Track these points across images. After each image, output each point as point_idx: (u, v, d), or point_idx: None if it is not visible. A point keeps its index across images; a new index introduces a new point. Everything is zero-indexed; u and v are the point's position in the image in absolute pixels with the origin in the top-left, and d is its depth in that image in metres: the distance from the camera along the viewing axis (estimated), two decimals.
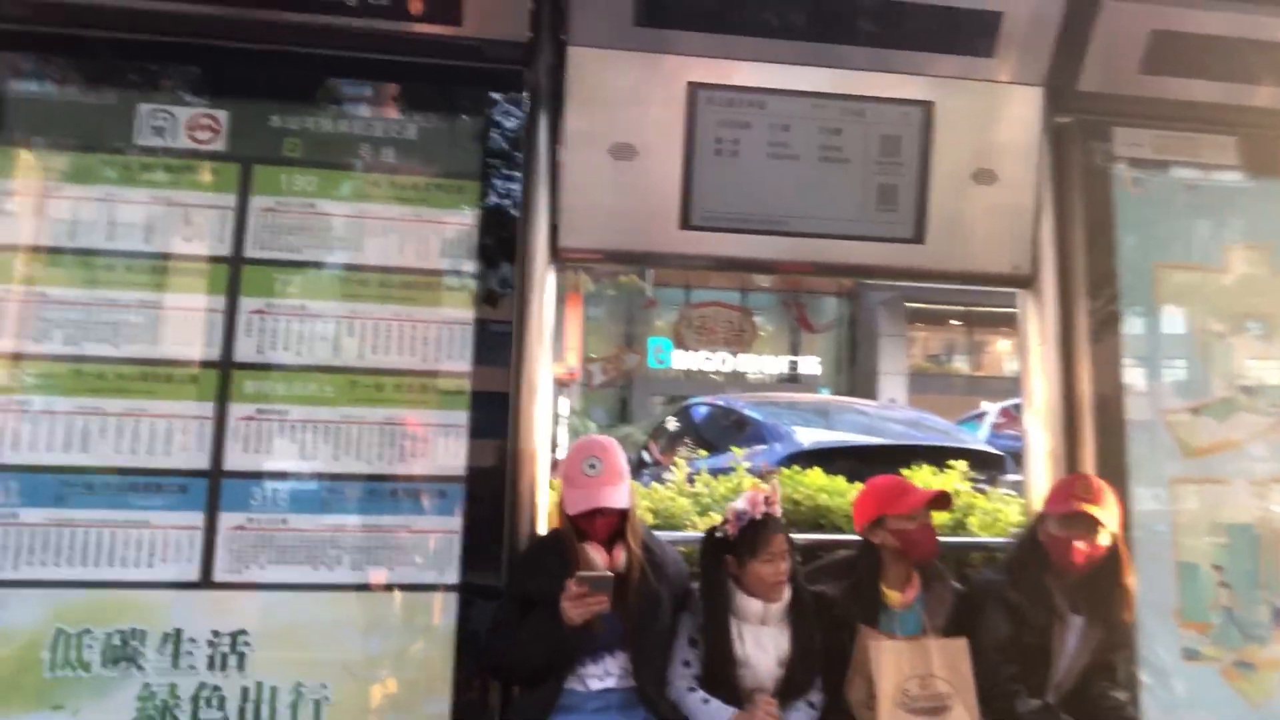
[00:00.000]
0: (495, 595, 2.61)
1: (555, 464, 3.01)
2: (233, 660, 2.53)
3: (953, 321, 21.92)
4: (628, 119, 2.94)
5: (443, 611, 2.64)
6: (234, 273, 2.73)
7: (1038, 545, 2.73)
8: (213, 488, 2.61)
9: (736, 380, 19.32)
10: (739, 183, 2.99)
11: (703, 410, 7.73)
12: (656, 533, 2.91)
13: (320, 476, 2.67)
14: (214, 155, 2.79)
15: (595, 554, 2.51)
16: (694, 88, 2.96)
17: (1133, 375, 3.12)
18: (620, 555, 2.53)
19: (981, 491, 3.74)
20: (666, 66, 2.95)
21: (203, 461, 2.62)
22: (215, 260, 2.73)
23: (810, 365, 20.81)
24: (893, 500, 2.69)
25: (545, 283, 2.91)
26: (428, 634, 2.63)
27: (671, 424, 8.23)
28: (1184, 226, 3.29)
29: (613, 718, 2.46)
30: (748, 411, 6.86)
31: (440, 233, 2.85)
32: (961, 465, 3.82)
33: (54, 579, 2.51)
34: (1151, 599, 2.90)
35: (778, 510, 2.63)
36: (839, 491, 3.59)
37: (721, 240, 3.00)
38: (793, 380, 20.25)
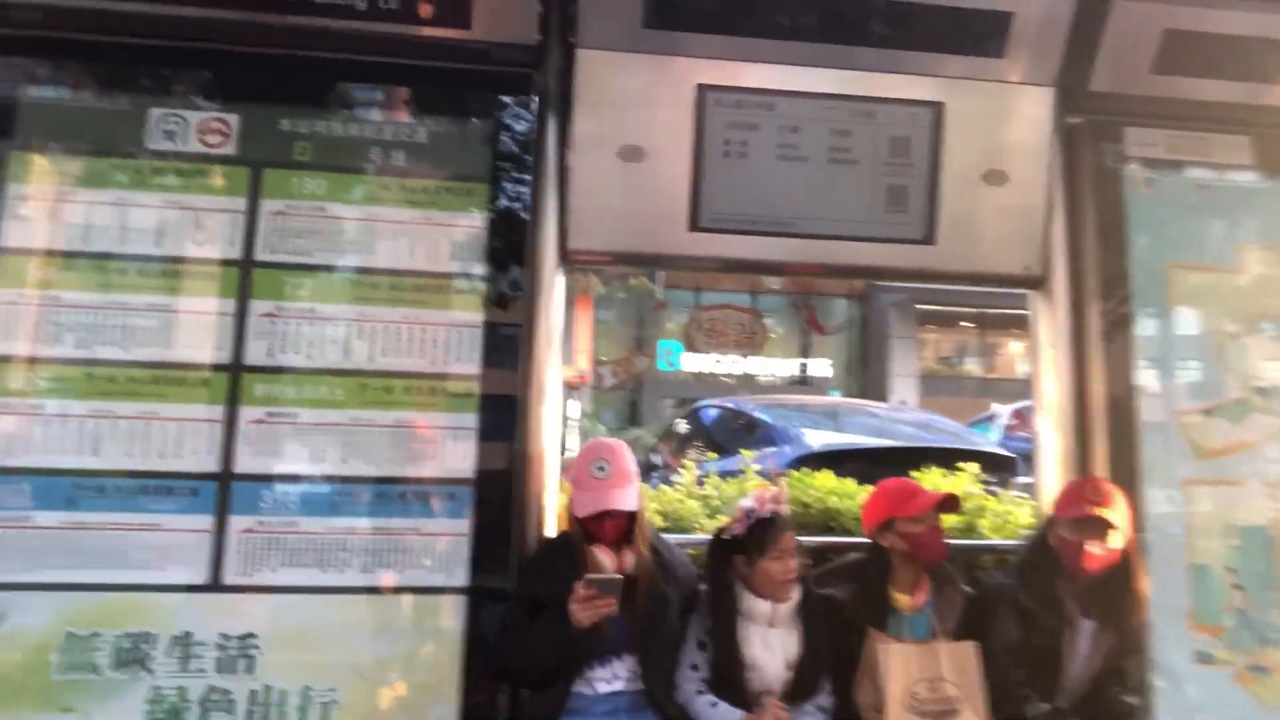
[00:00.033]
0: (504, 598, 2.61)
1: (565, 466, 3.01)
2: (242, 663, 2.54)
3: (964, 323, 21.83)
4: (636, 121, 2.94)
5: (451, 614, 2.64)
6: (244, 276, 2.74)
7: (1048, 549, 2.71)
8: (223, 491, 2.62)
9: (747, 383, 19.28)
10: (748, 184, 2.98)
11: (712, 413, 7.71)
12: (665, 535, 2.90)
13: (330, 479, 2.68)
14: (224, 159, 2.80)
15: (604, 556, 2.51)
16: (703, 89, 2.96)
17: (1145, 376, 3.09)
18: (629, 558, 2.53)
19: (993, 494, 3.72)
20: (675, 68, 2.95)
21: (213, 464, 2.63)
22: (226, 263, 2.74)
23: (821, 368, 20.75)
24: (901, 503, 2.68)
25: (554, 285, 2.91)
26: (436, 637, 2.63)
27: (681, 426, 8.22)
28: (1197, 227, 3.27)
29: None
30: (757, 414, 6.84)
31: (449, 235, 2.85)
32: (972, 467, 3.80)
33: (65, 582, 2.52)
34: (1164, 602, 2.88)
35: (785, 509, 2.62)
36: (849, 494, 3.57)
37: (730, 242, 3.00)
38: (803, 383, 20.19)
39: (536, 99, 2.94)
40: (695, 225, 2.97)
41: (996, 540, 3.36)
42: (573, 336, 17.13)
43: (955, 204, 3.06)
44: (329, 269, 2.79)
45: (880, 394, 18.69)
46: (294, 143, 2.84)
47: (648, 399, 19.75)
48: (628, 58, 2.92)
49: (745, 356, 19.45)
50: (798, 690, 2.55)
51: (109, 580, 2.54)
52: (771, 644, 2.54)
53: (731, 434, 6.73)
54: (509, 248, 2.88)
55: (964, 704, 2.50)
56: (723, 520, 2.75)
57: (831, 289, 20.78)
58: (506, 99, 2.95)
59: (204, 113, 2.81)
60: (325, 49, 2.86)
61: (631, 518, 2.55)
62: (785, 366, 20.45)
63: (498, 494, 2.73)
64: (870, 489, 2.93)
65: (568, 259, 2.94)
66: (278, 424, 2.68)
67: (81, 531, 2.54)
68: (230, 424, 2.66)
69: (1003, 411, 9.89)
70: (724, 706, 2.45)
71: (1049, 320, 3.17)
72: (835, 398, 15.18)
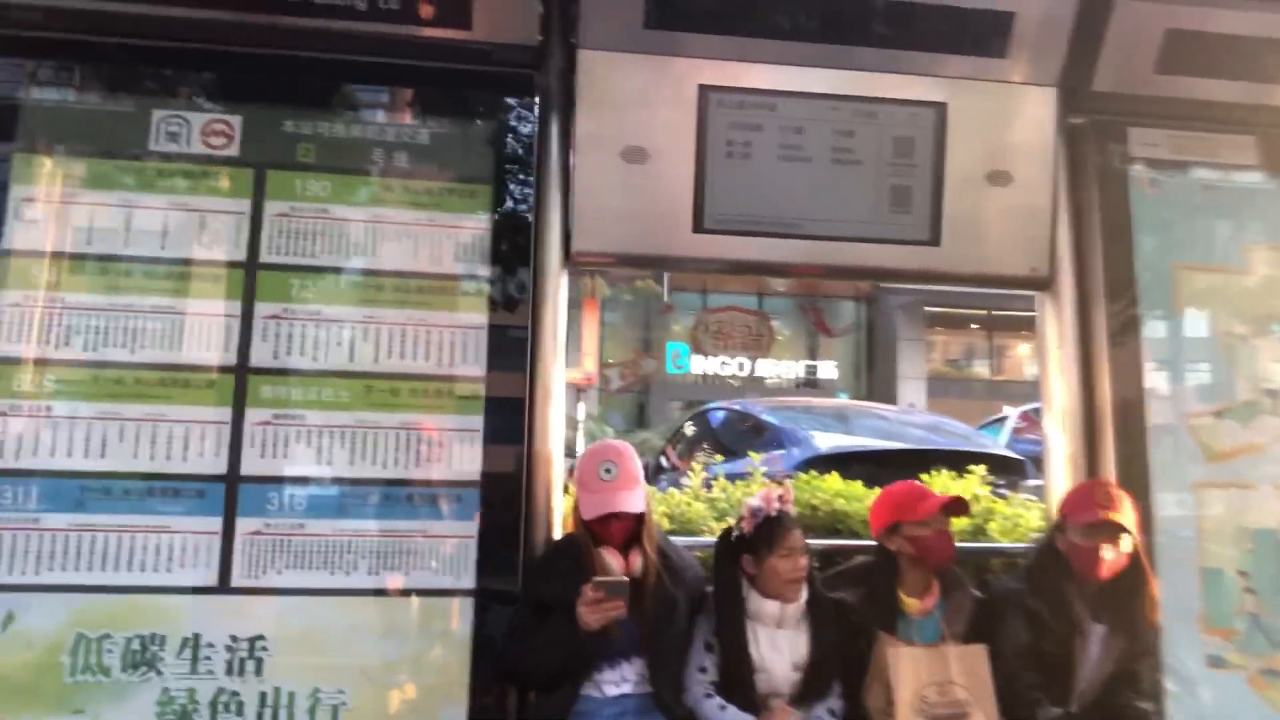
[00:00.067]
0: (511, 600, 2.61)
1: (571, 469, 3.01)
2: (251, 665, 2.54)
3: (972, 326, 21.78)
4: (639, 122, 2.93)
5: (459, 617, 2.64)
6: (249, 278, 2.75)
7: (1057, 554, 2.70)
8: (230, 493, 2.63)
9: (754, 385, 19.27)
10: (751, 185, 2.98)
11: (720, 415, 7.70)
12: (673, 538, 2.90)
13: (336, 481, 2.68)
14: (228, 161, 2.81)
15: (611, 559, 2.51)
16: (705, 90, 2.96)
17: (1153, 378, 3.07)
18: (636, 560, 2.52)
19: (1002, 497, 3.71)
20: (677, 69, 2.95)
21: (220, 467, 2.64)
22: (231, 265, 2.75)
23: (828, 370, 20.72)
24: (908, 506, 2.67)
25: (559, 287, 2.91)
26: (444, 639, 2.63)
27: (689, 429, 8.21)
28: (1203, 227, 3.25)
29: None
30: (765, 416, 6.83)
31: (453, 237, 2.86)
32: (980, 470, 3.79)
33: (74, 584, 2.53)
34: (1175, 605, 2.85)
35: (791, 508, 2.62)
36: (856, 497, 3.56)
37: (734, 243, 2.99)
38: (811, 385, 20.16)
39: (538, 100, 2.95)
40: (699, 226, 2.96)
41: (1006, 543, 3.34)
42: (580, 339, 17.14)
43: (959, 205, 3.05)
44: (333, 271, 2.79)
45: (887, 396, 18.64)
46: (297, 144, 2.84)
47: (655, 401, 19.75)
48: (629, 58, 2.92)
49: (752, 359, 19.43)
50: (807, 692, 2.54)
51: (118, 582, 2.54)
52: (779, 645, 2.54)
53: (739, 436, 6.73)
54: (513, 249, 2.89)
55: (974, 708, 2.48)
56: (730, 523, 2.75)
57: (839, 291, 20.75)
58: (508, 100, 2.96)
59: (207, 114, 2.82)
60: (327, 50, 2.87)
61: (639, 520, 2.55)
62: (792, 369, 20.43)
63: (504, 496, 2.73)
64: (878, 492, 2.92)
65: (572, 260, 2.94)
66: (284, 426, 2.69)
67: (90, 533, 2.55)
68: (237, 426, 2.66)
69: (1011, 414, 9.85)
70: (733, 710, 2.44)
71: (1056, 322, 3.16)
72: (843, 400, 15.16)
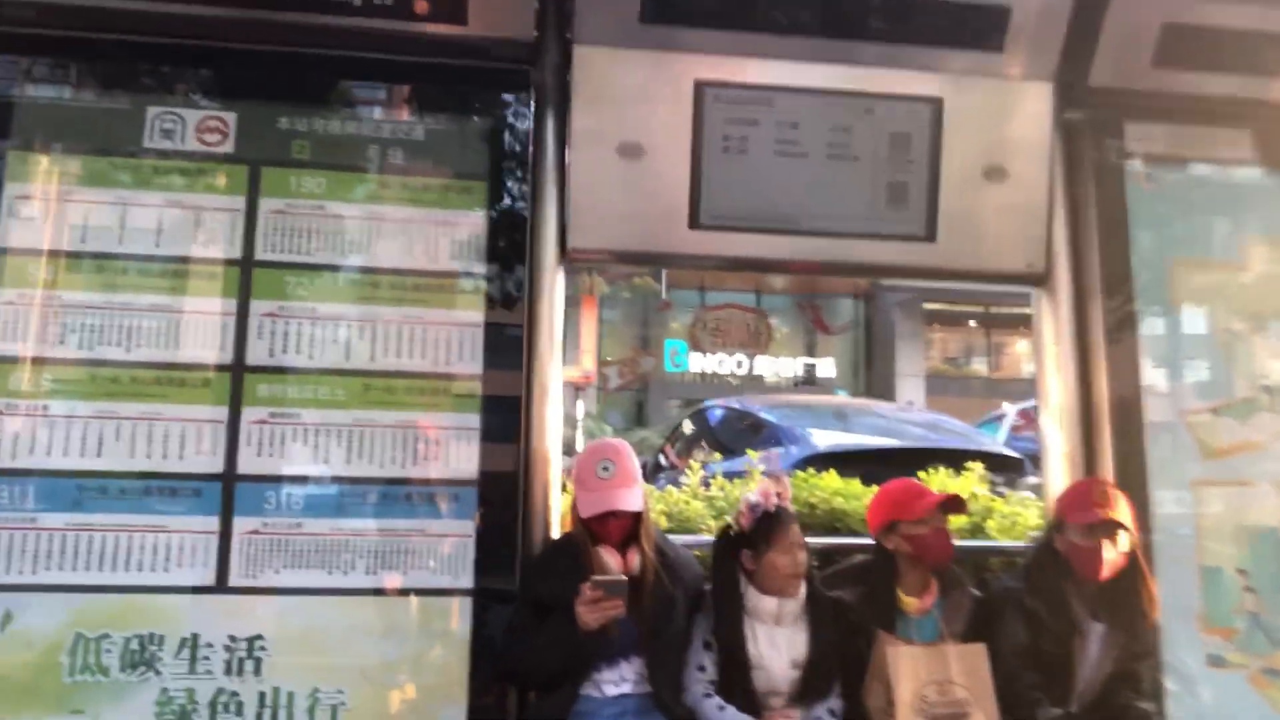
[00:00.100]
0: (510, 600, 2.60)
1: (569, 467, 3.01)
2: (249, 665, 2.53)
3: (971, 323, 21.78)
4: (635, 118, 2.93)
5: (457, 616, 2.63)
6: (245, 275, 2.74)
7: (1055, 554, 2.69)
8: (226, 492, 2.62)
9: (752, 383, 19.27)
10: (748, 181, 2.97)
11: (718, 413, 7.69)
12: (671, 536, 2.89)
13: (334, 480, 2.67)
14: (223, 158, 2.79)
15: (609, 557, 2.50)
16: (701, 85, 2.95)
17: (1151, 375, 3.07)
18: (634, 558, 2.51)
19: (1000, 495, 3.70)
20: (674, 64, 2.94)
21: (217, 466, 2.63)
22: (226, 263, 2.74)
23: (826, 368, 20.72)
24: (905, 505, 2.67)
25: (555, 283, 2.90)
26: (443, 639, 2.62)
27: (687, 427, 8.20)
28: (1200, 222, 3.25)
29: None
30: (763, 414, 6.82)
31: (448, 234, 2.85)
32: (978, 468, 3.78)
33: (72, 584, 2.52)
34: (1175, 604, 2.84)
35: (789, 504, 2.61)
36: (854, 495, 3.55)
37: (731, 240, 2.99)
38: (809, 383, 20.16)
39: (534, 95, 2.94)
40: (695, 223, 2.96)
41: (1005, 542, 3.34)
42: (578, 337, 17.13)
43: (956, 200, 3.04)
44: (329, 268, 2.78)
45: (886, 394, 18.64)
46: (292, 141, 2.83)
47: (654, 400, 19.74)
48: (625, 54, 2.91)
49: (750, 356, 19.44)
50: (806, 691, 2.53)
51: (116, 582, 2.53)
52: (777, 642, 2.53)
53: (737, 434, 6.71)
54: (509, 246, 2.88)
55: (974, 707, 2.47)
56: (728, 520, 2.74)
57: (837, 288, 20.75)
58: (504, 96, 2.94)
59: (202, 111, 2.81)
60: (322, 46, 2.85)
61: (637, 518, 2.54)
62: (791, 366, 20.43)
63: (502, 495, 2.72)
64: (876, 490, 2.92)
65: (568, 257, 2.93)
66: (280, 424, 2.68)
67: (87, 533, 2.54)
68: (233, 425, 2.65)
69: (1009, 411, 9.85)
70: (731, 711, 2.44)
71: (1052, 318, 3.15)
72: (842, 398, 15.16)
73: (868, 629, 2.60)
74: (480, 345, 2.79)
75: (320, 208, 2.80)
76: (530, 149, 2.92)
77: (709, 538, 2.98)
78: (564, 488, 2.84)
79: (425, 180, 2.87)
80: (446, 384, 2.76)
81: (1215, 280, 3.19)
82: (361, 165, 2.86)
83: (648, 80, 2.94)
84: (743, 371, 19.59)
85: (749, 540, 2.57)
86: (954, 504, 2.72)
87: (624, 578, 2.41)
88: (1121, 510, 2.63)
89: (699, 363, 19.45)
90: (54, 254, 2.68)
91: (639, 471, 2.60)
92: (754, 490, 2.63)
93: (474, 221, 2.87)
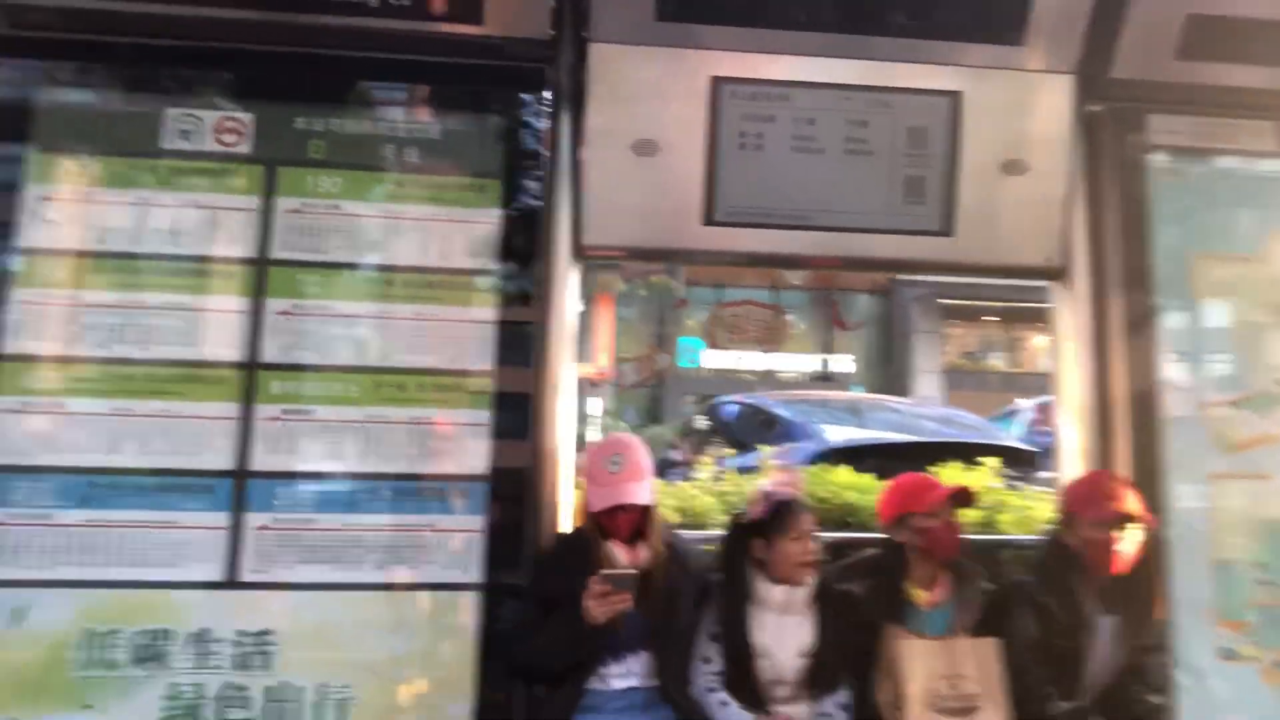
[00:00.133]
0: (519, 595, 2.60)
1: (580, 462, 3.00)
2: (258, 660, 2.55)
3: (988, 318, 21.63)
4: (650, 115, 2.92)
5: (466, 611, 2.64)
6: (260, 274, 2.75)
7: (1065, 548, 2.66)
8: (238, 488, 2.63)
9: (769, 379, 19.21)
10: (763, 177, 2.96)
11: (732, 409, 7.68)
12: (682, 531, 2.89)
13: (344, 476, 2.68)
14: (240, 158, 2.81)
15: (618, 551, 2.50)
16: (717, 82, 2.94)
17: (1169, 368, 3.03)
18: (643, 552, 2.51)
19: (1015, 488, 3.68)
20: (689, 61, 2.93)
21: (229, 462, 2.64)
22: (241, 262, 2.75)
23: (843, 363, 20.62)
24: (915, 497, 2.66)
25: (569, 281, 2.90)
26: (452, 634, 2.63)
27: (701, 423, 8.20)
28: (1223, 216, 3.20)
29: (636, 716, 2.45)
30: (777, 410, 6.81)
31: (463, 232, 2.85)
32: (993, 462, 3.76)
33: (84, 579, 2.54)
34: (1187, 598, 2.83)
35: (801, 494, 2.60)
36: (867, 489, 3.54)
37: (746, 236, 2.98)
38: (825, 379, 20.08)
39: (549, 94, 2.93)
40: (710, 219, 2.95)
41: (1017, 535, 3.31)
42: (594, 334, 17.12)
43: (974, 195, 3.02)
44: (343, 266, 2.79)
45: (903, 389, 18.56)
46: (308, 141, 2.84)
47: (669, 396, 19.71)
48: (641, 51, 2.90)
49: (767, 353, 19.39)
50: (813, 682, 2.52)
51: (127, 578, 2.55)
52: (785, 631, 2.52)
53: (751, 430, 6.70)
54: (523, 244, 2.87)
55: (985, 701, 2.46)
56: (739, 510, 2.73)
57: (854, 284, 20.65)
58: (519, 94, 2.93)
59: (219, 112, 2.82)
60: (338, 47, 2.86)
61: (646, 512, 2.54)
62: (807, 362, 20.35)
63: (512, 490, 2.72)
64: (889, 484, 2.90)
65: (582, 254, 2.93)
66: (293, 421, 2.69)
67: (100, 529, 2.56)
68: (246, 421, 2.67)
69: (1026, 406, 9.79)
70: (734, 708, 2.44)
71: (1070, 312, 3.12)
72: (857, 393, 15.11)
73: (878, 623, 2.59)
74: (493, 342, 2.79)
75: (335, 207, 2.81)
76: (545, 147, 2.92)
77: (720, 532, 2.97)
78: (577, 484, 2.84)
79: (440, 179, 2.87)
80: (458, 380, 2.77)
81: (1237, 274, 3.15)
82: (377, 164, 2.86)
83: (663, 77, 2.93)
84: (759, 368, 19.53)
85: (761, 529, 2.56)
86: (963, 497, 2.70)
87: (633, 572, 2.41)
88: (1132, 503, 2.61)
89: (715, 359, 19.40)
90: (71, 254, 2.70)
91: (649, 466, 2.59)
92: (767, 480, 2.62)
93: (488, 219, 2.86)
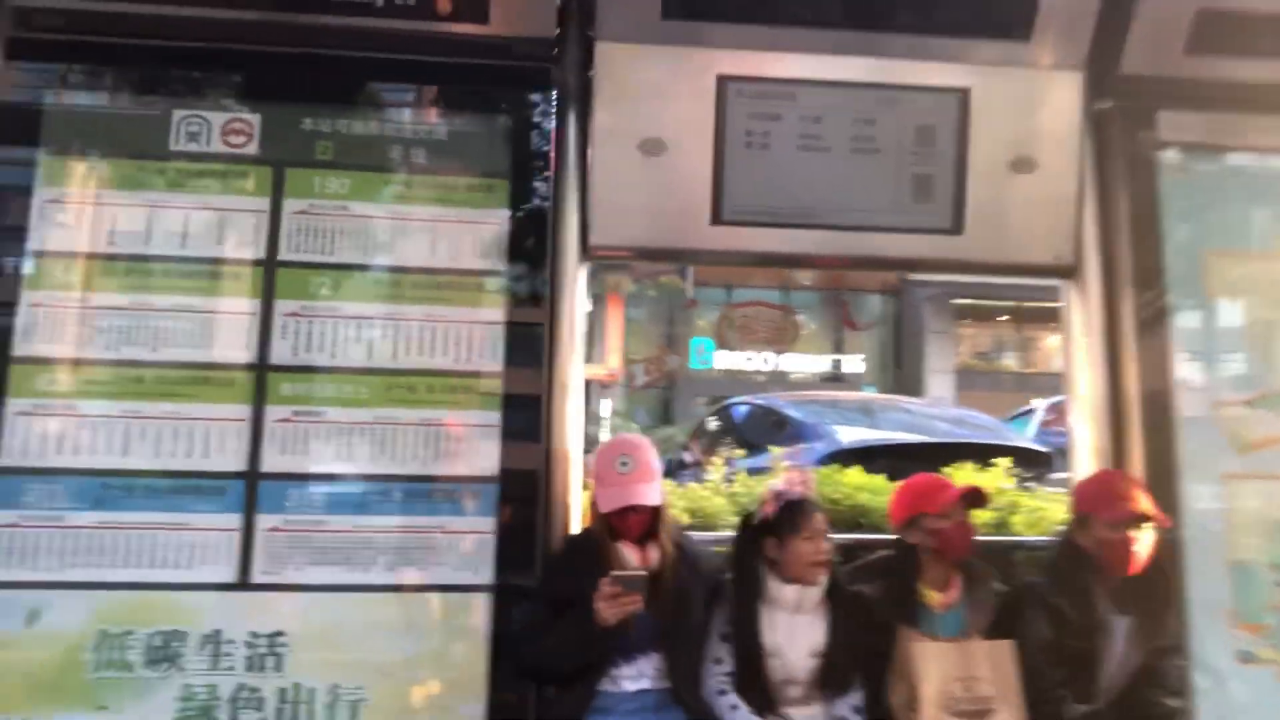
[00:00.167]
0: (530, 596, 2.60)
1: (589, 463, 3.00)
2: (270, 661, 2.55)
3: (1001, 318, 21.54)
4: (657, 114, 2.91)
5: (478, 613, 2.64)
6: (268, 275, 2.76)
7: (1079, 549, 2.64)
8: (250, 489, 2.64)
9: (779, 380, 19.17)
10: (770, 176, 2.95)
11: (743, 410, 7.67)
12: (692, 533, 2.88)
13: (355, 478, 2.69)
14: (247, 159, 2.82)
15: (628, 552, 2.49)
16: (723, 80, 2.93)
17: (1182, 367, 3.01)
18: (653, 553, 2.51)
19: (1028, 489, 3.65)
20: (695, 59, 2.92)
21: (240, 464, 2.65)
22: (250, 263, 2.76)
23: (855, 364, 20.57)
24: (927, 498, 2.64)
25: (577, 281, 2.89)
26: (463, 635, 2.63)
27: (712, 424, 8.18)
28: (1235, 213, 3.18)
29: (647, 718, 2.43)
30: (788, 411, 6.79)
31: (470, 233, 2.85)
32: (1005, 463, 3.74)
33: (97, 581, 2.55)
34: (1204, 600, 2.81)
35: (813, 493, 2.59)
36: (879, 490, 3.53)
37: (754, 235, 2.97)
38: (836, 379, 20.03)
39: (556, 93, 2.93)
40: (717, 218, 2.94)
41: (1030, 536, 3.29)
42: (604, 335, 17.13)
43: (983, 193, 3.00)
44: (351, 267, 2.80)
45: (915, 390, 18.49)
46: (316, 142, 2.85)
47: (680, 397, 19.70)
48: (647, 49, 2.90)
49: (777, 353, 19.34)
50: (825, 682, 2.51)
51: (140, 579, 2.56)
52: (796, 631, 2.50)
53: (762, 431, 6.69)
54: (530, 244, 2.88)
55: (1000, 704, 2.44)
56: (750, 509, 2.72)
57: (865, 284, 20.60)
58: (526, 94, 2.94)
59: (227, 114, 2.83)
60: (344, 47, 2.87)
61: (656, 513, 2.53)
62: (818, 363, 20.31)
63: (523, 492, 2.72)
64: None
65: (590, 254, 2.92)
66: (303, 423, 2.69)
67: (112, 531, 2.57)
68: (256, 423, 2.67)
69: (1039, 406, 9.74)
70: (743, 711, 2.42)
71: (1081, 311, 3.10)
72: (868, 393, 15.06)
73: (891, 624, 2.57)
74: (502, 343, 2.79)
75: (343, 208, 2.82)
76: (552, 147, 2.92)
77: (730, 534, 2.96)
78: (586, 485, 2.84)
79: (447, 179, 2.88)
80: (468, 382, 2.77)
81: (1251, 271, 3.12)
82: (384, 165, 2.87)
83: (669, 76, 2.92)
84: (769, 368, 19.49)
85: (773, 528, 2.55)
86: (975, 497, 2.68)
87: (643, 573, 2.40)
88: (1146, 502, 2.59)
89: (725, 360, 19.37)
90: (81, 256, 2.71)
91: (658, 466, 2.58)
92: (779, 478, 2.61)
93: (496, 220, 2.87)
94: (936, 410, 8.52)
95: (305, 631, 2.58)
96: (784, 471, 2.99)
